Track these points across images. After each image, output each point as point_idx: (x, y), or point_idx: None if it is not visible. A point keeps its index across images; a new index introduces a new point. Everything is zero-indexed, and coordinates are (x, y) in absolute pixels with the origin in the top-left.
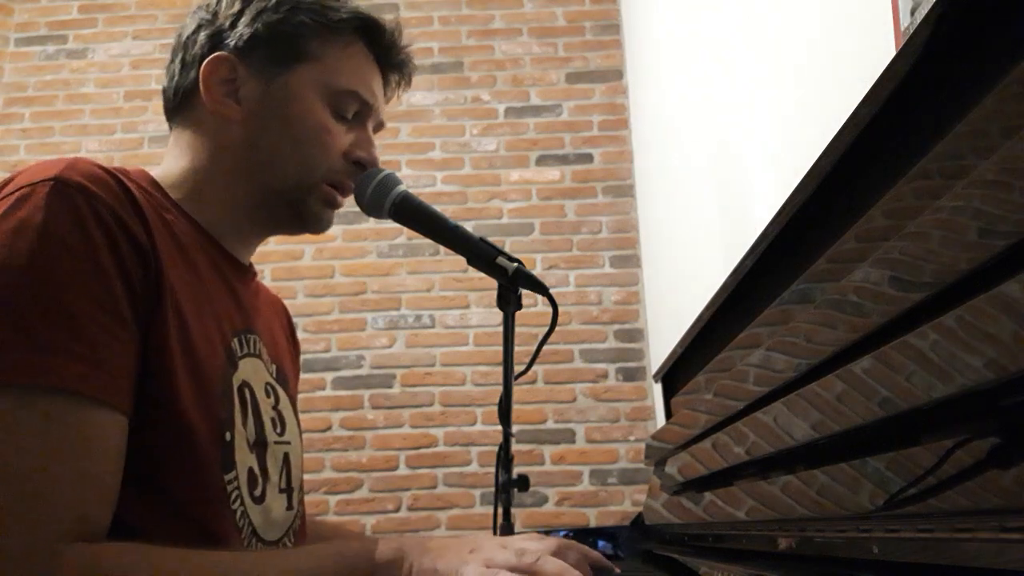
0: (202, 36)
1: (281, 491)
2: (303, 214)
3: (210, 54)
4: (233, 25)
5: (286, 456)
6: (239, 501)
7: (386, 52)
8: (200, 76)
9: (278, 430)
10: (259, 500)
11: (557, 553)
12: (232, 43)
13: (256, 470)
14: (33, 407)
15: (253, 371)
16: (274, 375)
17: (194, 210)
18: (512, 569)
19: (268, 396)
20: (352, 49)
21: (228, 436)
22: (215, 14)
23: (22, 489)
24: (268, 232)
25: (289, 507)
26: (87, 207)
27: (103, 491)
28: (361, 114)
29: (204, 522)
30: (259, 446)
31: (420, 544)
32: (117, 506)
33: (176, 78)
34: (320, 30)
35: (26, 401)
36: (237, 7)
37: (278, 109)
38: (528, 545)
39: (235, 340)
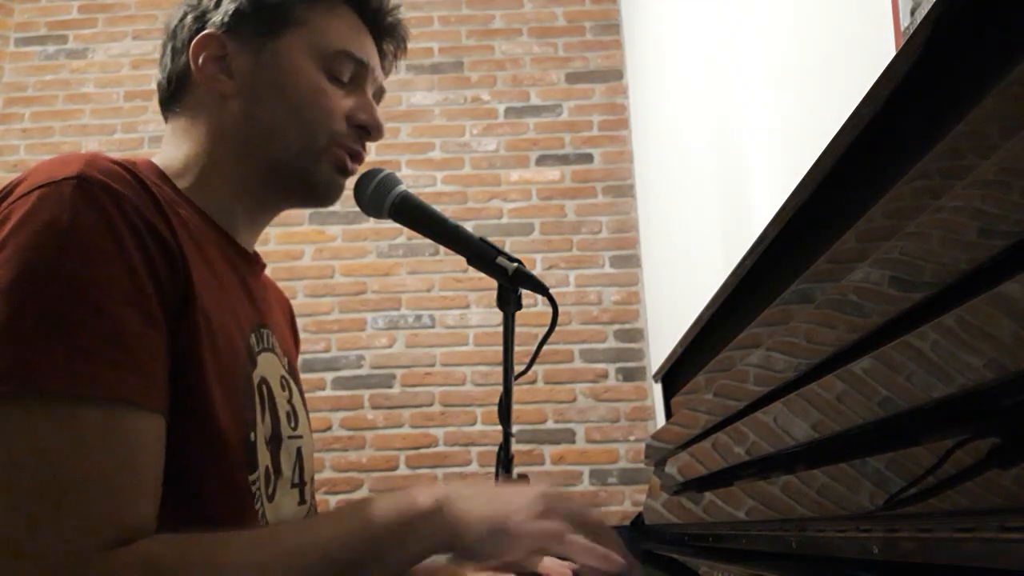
0: (188, 20)
1: (294, 486)
2: (314, 182)
3: (197, 35)
4: (217, 5)
5: (299, 450)
6: (260, 502)
7: (375, 15)
8: (190, 57)
9: (292, 424)
10: (271, 498)
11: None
12: (218, 20)
13: (271, 468)
14: (76, 415)
15: (269, 366)
16: (287, 368)
17: (201, 199)
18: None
19: (283, 390)
20: (339, 11)
21: (252, 436)
22: (199, 0)
23: (69, 499)
24: (279, 208)
25: (302, 501)
26: (114, 207)
27: (148, 495)
28: (358, 77)
29: (231, 525)
30: (274, 442)
31: (464, 490)
32: None
33: (168, 67)
34: None
35: (68, 409)
36: None
37: (271, 77)
38: (587, 515)
39: (252, 336)
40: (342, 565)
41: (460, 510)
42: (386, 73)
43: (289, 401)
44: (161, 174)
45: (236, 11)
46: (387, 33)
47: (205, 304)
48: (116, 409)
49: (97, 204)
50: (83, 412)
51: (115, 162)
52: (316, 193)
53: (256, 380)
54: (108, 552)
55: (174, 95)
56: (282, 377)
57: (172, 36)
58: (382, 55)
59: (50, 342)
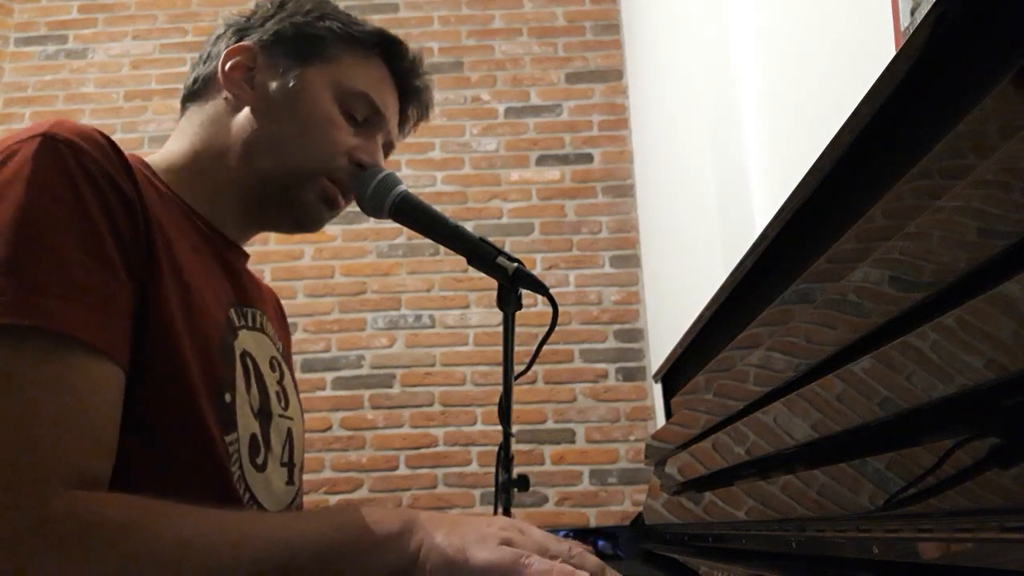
0: (230, 32)
1: (283, 465)
2: (295, 204)
3: (234, 44)
4: (261, 24)
5: (289, 431)
6: (238, 464)
7: (405, 75)
8: (221, 61)
9: (282, 404)
10: (261, 468)
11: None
12: (257, 37)
13: (259, 437)
14: (25, 349)
15: (256, 344)
16: (280, 351)
17: (187, 194)
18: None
19: (273, 371)
20: (371, 61)
21: (228, 397)
22: (248, 19)
23: (13, 433)
24: (258, 226)
25: (290, 482)
26: (74, 160)
27: (99, 439)
28: (371, 122)
29: (201, 480)
30: (263, 415)
31: (431, 517)
32: (116, 459)
33: (199, 68)
34: (343, 37)
35: (18, 342)
36: (270, 12)
37: (288, 98)
38: (551, 544)
39: (232, 310)
40: (291, 567)
41: (422, 539)
42: (403, 135)
43: (279, 383)
44: (147, 165)
45: (277, 32)
46: (412, 95)
47: (178, 263)
48: (70, 346)
49: (58, 156)
50: (34, 346)
51: (90, 127)
52: (294, 216)
53: (238, 350)
54: (50, 491)
55: (196, 93)
56: (272, 358)
57: (213, 44)
58: (403, 117)
59: (4, 280)
